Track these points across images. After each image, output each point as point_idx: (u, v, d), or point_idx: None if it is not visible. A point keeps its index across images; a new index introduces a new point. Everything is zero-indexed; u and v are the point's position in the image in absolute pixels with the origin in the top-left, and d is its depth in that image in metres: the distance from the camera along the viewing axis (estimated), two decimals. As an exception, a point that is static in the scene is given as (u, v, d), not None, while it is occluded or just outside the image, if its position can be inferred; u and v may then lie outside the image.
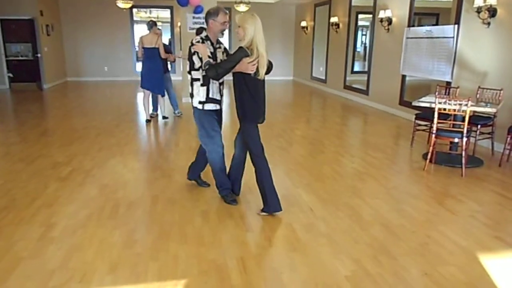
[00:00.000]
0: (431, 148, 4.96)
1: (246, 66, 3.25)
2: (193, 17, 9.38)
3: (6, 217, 3.47)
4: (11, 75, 11.94)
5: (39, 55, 11.79)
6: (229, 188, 3.90)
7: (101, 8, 13.72)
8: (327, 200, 3.94)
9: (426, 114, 5.86)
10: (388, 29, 8.47)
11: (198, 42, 3.53)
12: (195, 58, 3.53)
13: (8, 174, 4.61)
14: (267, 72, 3.39)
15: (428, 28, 7.16)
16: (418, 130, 6.10)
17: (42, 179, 4.42)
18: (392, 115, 8.38)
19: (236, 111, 3.52)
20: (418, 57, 7.35)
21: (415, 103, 5.28)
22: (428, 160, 4.99)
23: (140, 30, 14.20)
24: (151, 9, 14.63)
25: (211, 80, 3.57)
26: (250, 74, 3.30)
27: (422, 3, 7.75)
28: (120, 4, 12.13)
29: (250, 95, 3.38)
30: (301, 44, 14.56)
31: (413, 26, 7.73)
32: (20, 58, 12.00)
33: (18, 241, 3.07)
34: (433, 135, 4.87)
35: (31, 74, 11.89)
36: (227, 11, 3.76)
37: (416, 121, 5.98)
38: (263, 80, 3.43)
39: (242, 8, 12.98)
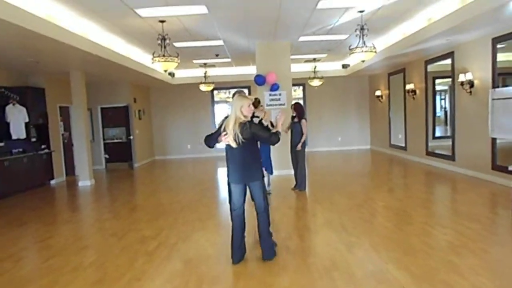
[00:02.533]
0: (536, 216, 4.41)
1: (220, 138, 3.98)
2: (270, 95, 9.80)
3: (99, 291, 3.62)
4: (107, 156, 13.16)
5: (131, 137, 12.94)
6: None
7: (186, 92, 14.94)
8: (421, 277, 3.59)
9: (525, 179, 5.31)
10: (471, 91, 8.12)
11: None
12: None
13: (102, 249, 4.88)
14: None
15: (515, 88, 6.74)
16: (518, 196, 5.51)
17: (131, 253, 4.60)
18: (484, 181, 7.72)
19: None
20: (509, 118, 6.86)
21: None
22: (534, 231, 4.43)
23: (221, 110, 15.11)
24: (230, 89, 15.60)
25: None
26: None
27: (505, 63, 7.40)
28: (203, 88, 13.13)
29: (228, 159, 4.07)
30: (377, 112, 14.41)
31: (498, 87, 7.33)
32: (115, 140, 13.26)
33: (109, 316, 3.15)
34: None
35: (124, 154, 13.01)
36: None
37: (514, 187, 5.42)
38: (240, 148, 3.91)
39: (316, 82, 13.35)
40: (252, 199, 4.15)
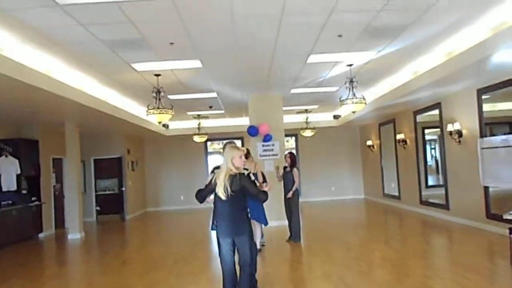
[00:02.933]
0: (536, 266, 4.34)
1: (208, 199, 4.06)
2: (263, 145, 9.86)
3: None
4: (98, 208, 12.92)
5: (123, 188, 12.78)
6: None
7: (179, 143, 14.98)
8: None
9: (521, 227, 5.27)
10: (460, 141, 8.25)
11: None
12: None
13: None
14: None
15: (504, 137, 6.87)
16: (515, 246, 5.43)
17: (121, 312, 4.39)
18: (479, 230, 7.65)
19: None
20: (499, 166, 6.93)
21: (506, 216, 4.81)
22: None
23: (214, 160, 15.11)
24: (224, 140, 15.71)
25: None
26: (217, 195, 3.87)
27: (491, 113, 7.59)
28: (197, 139, 13.21)
29: (216, 212, 4.02)
30: (369, 161, 14.50)
31: (486, 136, 7.47)
32: (108, 192, 13.08)
33: None
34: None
35: (116, 206, 12.76)
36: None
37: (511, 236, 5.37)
38: (229, 201, 3.81)
39: (308, 133, 13.50)
40: (238, 252, 3.97)
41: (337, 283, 4.94)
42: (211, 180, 3.95)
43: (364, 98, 7.55)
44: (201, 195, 4.00)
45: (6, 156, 9.04)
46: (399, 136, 11.27)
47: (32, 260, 7.48)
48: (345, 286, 4.83)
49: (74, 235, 9.60)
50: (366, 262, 5.94)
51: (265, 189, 4.05)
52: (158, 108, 7.32)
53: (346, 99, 7.47)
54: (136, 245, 8.75)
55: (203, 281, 5.38)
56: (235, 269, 3.96)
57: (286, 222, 7.94)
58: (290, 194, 7.50)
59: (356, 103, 7.43)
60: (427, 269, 5.42)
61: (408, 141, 10.95)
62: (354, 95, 7.44)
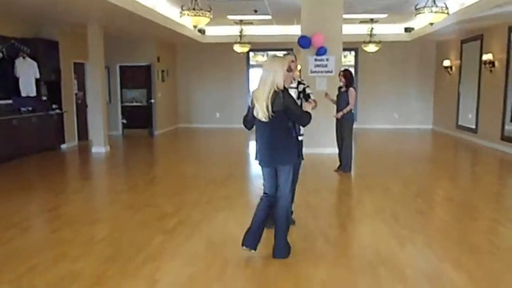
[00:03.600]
0: None
1: None
2: (315, 59, 9.65)
3: (112, 267, 3.76)
4: (125, 121, 13.48)
5: (152, 101, 13.17)
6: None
7: (217, 52, 14.94)
8: (483, 281, 3.52)
9: None
10: None
11: None
12: None
13: (116, 222, 5.07)
14: (298, 121, 3.96)
15: None
16: None
17: (148, 230, 4.74)
18: None
19: None
20: None
21: None
22: None
23: (257, 75, 15.07)
24: (269, 52, 15.49)
25: None
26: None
27: None
28: (238, 48, 13.11)
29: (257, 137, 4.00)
30: (444, 86, 13.99)
31: None
32: (135, 104, 13.55)
33: (121, 295, 3.28)
34: None
35: (144, 120, 13.29)
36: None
37: None
38: (270, 124, 3.79)
39: (372, 48, 13.04)
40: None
41: (390, 222, 5.04)
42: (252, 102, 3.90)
43: (446, 7, 7.11)
44: (249, 121, 4.00)
45: (24, 57, 9.37)
46: (486, 57, 10.71)
47: (55, 172, 8.08)
48: (399, 225, 4.92)
49: (99, 148, 10.16)
50: (426, 201, 5.99)
51: (308, 108, 3.98)
52: (194, 9, 7.25)
53: (424, 7, 7.08)
54: (165, 163, 9.20)
55: (237, 207, 5.64)
56: (273, 199, 4.02)
57: (336, 150, 7.99)
58: (339, 115, 7.47)
59: (436, 12, 7.06)
60: (499, 213, 5.41)
61: (496, 63, 10.39)
62: (434, 2, 7.02)
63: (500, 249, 4.21)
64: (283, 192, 3.95)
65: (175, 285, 3.47)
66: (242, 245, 3.94)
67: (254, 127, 4.00)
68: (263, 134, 3.89)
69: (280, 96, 3.71)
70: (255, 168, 8.13)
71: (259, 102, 3.75)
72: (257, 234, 3.96)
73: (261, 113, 3.74)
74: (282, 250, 3.96)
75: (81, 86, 11.66)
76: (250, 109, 3.93)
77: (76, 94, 11.38)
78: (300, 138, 4.37)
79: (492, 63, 10.55)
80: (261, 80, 3.80)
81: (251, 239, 3.93)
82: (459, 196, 6.28)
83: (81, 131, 11.59)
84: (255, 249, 3.93)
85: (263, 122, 3.80)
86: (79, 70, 11.50)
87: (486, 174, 7.98)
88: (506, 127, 10.05)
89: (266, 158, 3.92)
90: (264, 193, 4.04)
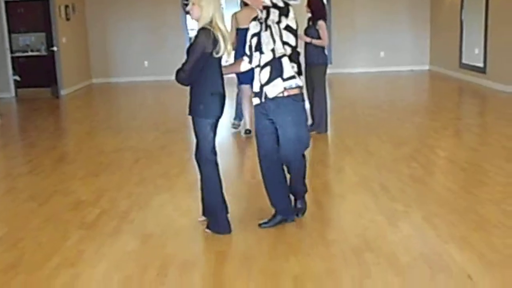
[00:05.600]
0: None
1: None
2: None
3: (14, 279, 3.70)
4: (18, 78, 13.02)
5: (55, 48, 12.74)
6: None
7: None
8: (496, 263, 3.69)
9: None
10: None
11: None
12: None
13: (15, 219, 4.95)
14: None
15: None
16: None
17: (60, 226, 4.67)
18: None
19: None
20: None
21: None
22: None
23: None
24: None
25: None
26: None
27: None
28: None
29: None
30: (442, 14, 14.23)
31: None
32: (30, 53, 13.10)
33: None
34: None
35: (45, 75, 12.90)
36: None
37: None
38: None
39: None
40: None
41: (378, 194, 5.17)
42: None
43: None
44: None
45: None
46: (495, -30, 10.90)
47: None
48: (389, 197, 5.06)
49: (-17, 117, 9.85)
50: (423, 164, 6.14)
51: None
52: None
53: None
54: (77, 134, 9.00)
55: (177, 188, 5.64)
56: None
57: (307, 104, 8.02)
58: (307, 39, 7.50)
59: None
60: (515, 177, 5.64)
61: (509, -22, 10.60)
62: None
63: (516, 222, 4.41)
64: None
65: (101, 297, 3.48)
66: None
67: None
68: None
69: None
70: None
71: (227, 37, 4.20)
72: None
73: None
74: None
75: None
76: None
77: None
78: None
79: (503, -22, 10.75)
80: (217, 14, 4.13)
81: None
82: (464, 157, 6.47)
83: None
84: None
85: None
86: None
87: (498, 127, 8.18)
88: (523, 64, 10.36)
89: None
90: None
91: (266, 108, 4.21)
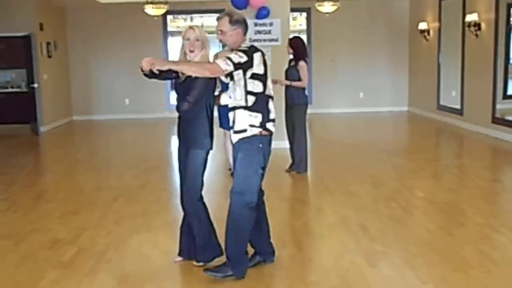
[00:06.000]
0: None
1: None
2: (255, 24, 9.69)
3: (-14, 321, 3.62)
4: (-4, 114, 12.96)
5: (35, 85, 12.69)
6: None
7: (123, 16, 14.67)
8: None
9: None
10: None
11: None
12: None
13: (-10, 258, 4.87)
14: None
15: None
16: None
17: (36, 265, 4.59)
18: None
19: None
20: None
21: None
22: None
23: (177, 45, 14.95)
24: (192, 15, 15.42)
25: None
26: None
27: None
28: (150, 11, 12.89)
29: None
30: (420, 56, 14.46)
31: None
32: (10, 90, 13.04)
33: None
34: None
35: (24, 112, 12.77)
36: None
37: None
38: None
39: (328, 8, 13.23)
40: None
41: (357, 234, 5.18)
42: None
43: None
44: None
45: None
46: (470, 18, 11.12)
47: None
48: (369, 238, 5.07)
49: (-40, 154, 9.75)
50: (401, 205, 6.16)
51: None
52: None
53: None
54: (56, 171, 8.92)
55: (156, 227, 5.60)
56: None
57: (287, 145, 8.07)
58: (286, 82, 7.61)
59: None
60: (492, 218, 5.66)
61: (483, 25, 10.82)
62: None
63: (495, 263, 4.41)
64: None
65: None
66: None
67: None
68: None
69: None
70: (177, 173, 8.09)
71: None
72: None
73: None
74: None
75: None
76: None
77: None
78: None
79: (477, 25, 10.95)
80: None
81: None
82: (443, 197, 6.50)
83: None
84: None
85: None
86: None
87: (475, 168, 8.30)
88: (498, 106, 10.48)
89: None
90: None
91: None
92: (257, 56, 4.04)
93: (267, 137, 4.15)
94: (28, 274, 4.41)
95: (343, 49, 15.13)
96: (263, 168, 4.19)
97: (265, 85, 4.12)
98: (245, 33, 4.16)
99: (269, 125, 4.13)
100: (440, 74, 13.09)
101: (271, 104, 4.19)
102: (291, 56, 7.73)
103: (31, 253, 4.91)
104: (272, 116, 4.18)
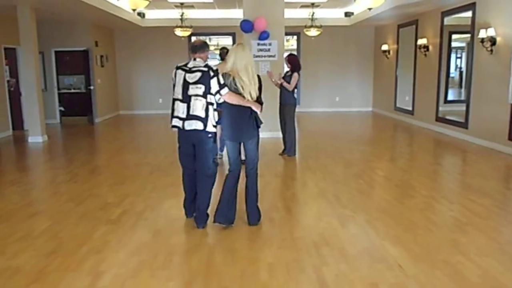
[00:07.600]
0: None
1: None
2: (258, 44, 9.66)
3: (53, 262, 3.63)
4: (62, 108, 12.94)
5: (92, 87, 12.71)
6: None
7: (158, 36, 14.61)
8: (420, 256, 3.70)
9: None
10: (492, 50, 8.13)
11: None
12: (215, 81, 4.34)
13: (57, 215, 4.87)
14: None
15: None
16: (536, 171, 5.66)
17: (91, 222, 4.61)
18: (499, 152, 7.89)
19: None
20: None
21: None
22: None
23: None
24: (211, 36, 15.32)
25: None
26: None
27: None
28: (179, 33, 12.85)
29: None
30: (382, 70, 14.42)
31: (523, 45, 7.36)
32: (73, 90, 12.99)
33: (63, 289, 3.18)
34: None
35: (83, 107, 12.80)
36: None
37: (533, 160, 5.56)
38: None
39: (313, 32, 13.18)
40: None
41: (333, 201, 5.19)
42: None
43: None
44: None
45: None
46: (421, 41, 11.09)
47: (-12, 164, 7.65)
48: (341, 205, 5.08)
49: (35, 138, 9.71)
50: (367, 181, 6.18)
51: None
52: (132, -10, 7.02)
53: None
54: (107, 152, 8.94)
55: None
56: (238, 173, 4.47)
57: (280, 134, 8.09)
58: (279, 80, 7.61)
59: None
60: (434, 191, 5.67)
61: (430, 47, 10.79)
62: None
63: (436, 225, 4.43)
64: (253, 162, 4.47)
65: (120, 276, 3.40)
66: (214, 221, 4.32)
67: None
68: (232, 113, 4.35)
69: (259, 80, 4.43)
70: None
71: (250, 86, 4.29)
72: (228, 209, 4.32)
73: (254, 94, 4.32)
74: (257, 215, 4.47)
75: (14, 73, 11.06)
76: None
77: (8, 81, 10.79)
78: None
79: (426, 47, 10.94)
80: (244, 67, 4.27)
81: (222, 215, 4.29)
82: (397, 176, 6.54)
83: (16, 120, 11.04)
84: (232, 223, 4.36)
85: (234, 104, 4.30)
86: (11, 55, 10.89)
87: (422, 154, 8.34)
88: (440, 108, 10.50)
89: (236, 133, 4.39)
90: (230, 170, 4.42)
91: None
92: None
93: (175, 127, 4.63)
94: (85, 228, 4.43)
95: (324, 64, 15.08)
96: (179, 148, 4.60)
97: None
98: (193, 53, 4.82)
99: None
100: (397, 84, 13.08)
101: (176, 105, 4.69)
102: (287, 69, 7.75)
103: (87, 212, 4.93)
104: (175, 113, 4.70)
